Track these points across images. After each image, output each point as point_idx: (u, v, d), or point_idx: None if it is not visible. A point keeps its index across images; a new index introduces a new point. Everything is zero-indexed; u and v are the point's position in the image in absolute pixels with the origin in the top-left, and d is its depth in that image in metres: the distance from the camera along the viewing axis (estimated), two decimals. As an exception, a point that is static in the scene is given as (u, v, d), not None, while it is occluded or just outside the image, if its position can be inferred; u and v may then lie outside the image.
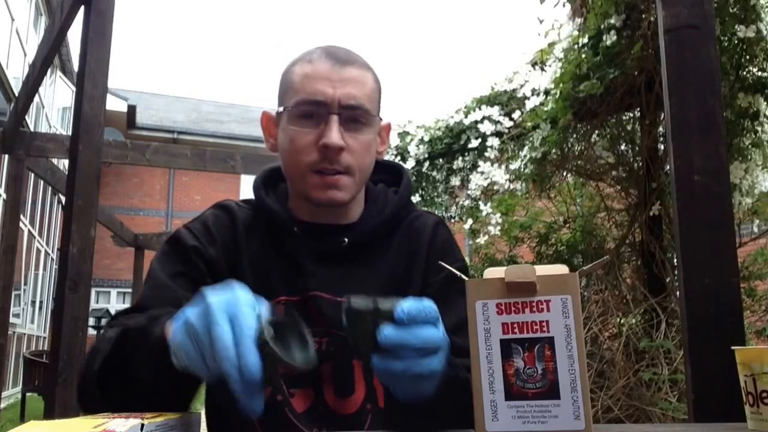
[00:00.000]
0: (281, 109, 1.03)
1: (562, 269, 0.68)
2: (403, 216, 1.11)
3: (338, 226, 1.06)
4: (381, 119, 1.06)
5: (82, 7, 3.38)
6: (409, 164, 4.25)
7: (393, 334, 0.67)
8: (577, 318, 0.67)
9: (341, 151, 0.99)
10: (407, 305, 0.68)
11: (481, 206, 3.67)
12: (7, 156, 6.46)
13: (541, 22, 3.07)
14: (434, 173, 4.21)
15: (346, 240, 1.04)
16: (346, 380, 0.99)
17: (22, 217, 7.54)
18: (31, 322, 12.73)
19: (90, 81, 3.15)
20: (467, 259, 7.42)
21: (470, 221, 3.78)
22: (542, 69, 3.36)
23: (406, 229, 1.10)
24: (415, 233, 1.09)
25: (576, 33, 2.96)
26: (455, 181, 4.02)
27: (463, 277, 0.71)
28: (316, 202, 1.01)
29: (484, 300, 0.67)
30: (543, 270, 0.68)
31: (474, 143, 3.82)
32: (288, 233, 1.04)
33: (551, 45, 3.17)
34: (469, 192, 3.85)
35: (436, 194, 4.27)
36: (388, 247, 1.07)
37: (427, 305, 0.69)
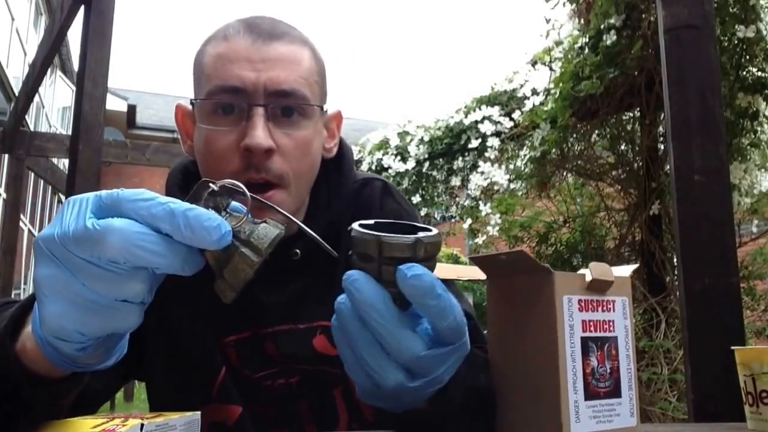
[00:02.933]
0: (195, 101, 0.80)
1: (619, 270, 0.68)
2: (350, 194, 0.90)
3: (286, 241, 0.85)
4: (325, 109, 0.83)
5: (82, 7, 3.38)
6: (409, 164, 4.25)
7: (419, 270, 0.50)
8: (632, 319, 0.68)
9: (269, 155, 0.75)
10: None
11: (481, 206, 3.67)
12: (7, 156, 6.46)
13: (548, 21, 3.06)
14: (434, 173, 4.21)
15: (299, 252, 0.82)
16: (328, 414, 0.84)
17: (22, 216, 7.55)
18: (31, 322, 12.71)
19: (90, 81, 3.15)
20: (466, 260, 7.39)
21: (469, 221, 3.78)
22: (542, 68, 3.36)
23: (354, 208, 0.88)
24: (363, 209, 0.87)
25: (576, 33, 2.96)
26: (455, 181, 4.02)
27: (544, 266, 0.62)
28: None
29: (570, 295, 0.63)
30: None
31: (474, 143, 3.82)
32: None
33: (550, 50, 3.17)
34: (469, 192, 3.85)
35: (436, 194, 4.27)
36: (339, 242, 0.83)
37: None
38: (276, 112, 0.77)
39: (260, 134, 0.74)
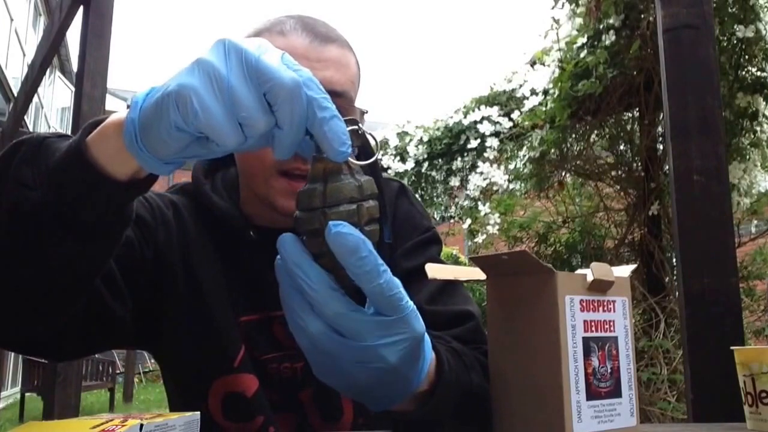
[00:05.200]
0: None
1: (619, 271, 0.69)
2: None
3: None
4: (365, 111, 0.88)
5: (81, 7, 3.38)
6: (408, 165, 4.24)
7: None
8: (631, 320, 0.69)
9: None
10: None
11: (480, 206, 3.67)
12: (6, 156, 6.45)
13: (555, 21, 3.05)
14: (433, 173, 4.21)
15: None
16: (332, 404, 0.85)
17: (21, 217, 7.53)
18: (30, 323, 12.72)
19: (89, 81, 3.14)
20: (465, 260, 7.39)
21: (468, 221, 3.78)
22: (541, 68, 3.36)
23: None
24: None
25: (575, 33, 2.96)
26: (454, 181, 4.02)
27: (547, 266, 0.62)
28: (282, 211, 0.81)
29: (571, 295, 0.63)
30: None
31: (473, 143, 3.82)
32: (241, 239, 0.86)
33: (550, 50, 3.17)
34: (468, 192, 3.85)
35: (435, 194, 4.27)
36: None
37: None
38: None
39: None
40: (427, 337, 0.59)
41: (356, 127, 0.55)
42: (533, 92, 3.38)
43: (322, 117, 0.50)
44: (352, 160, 0.53)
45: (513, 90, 3.77)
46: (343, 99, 0.81)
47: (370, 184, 0.54)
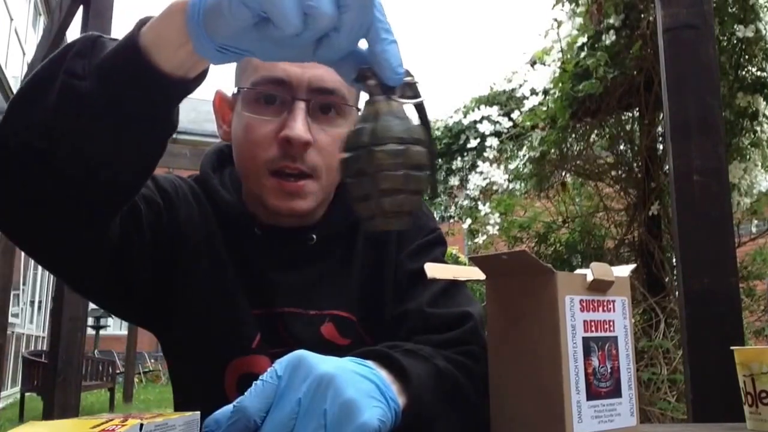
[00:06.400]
0: (237, 89, 0.86)
1: (619, 271, 0.69)
2: None
3: (305, 227, 0.89)
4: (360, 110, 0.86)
5: (81, 7, 3.38)
6: (408, 164, 4.24)
7: None
8: (631, 319, 0.69)
9: (306, 147, 0.80)
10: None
11: (480, 206, 3.67)
12: (5, 156, 6.44)
13: (558, 23, 3.04)
14: (433, 173, 4.20)
15: (315, 237, 0.87)
16: None
17: (20, 217, 7.51)
18: (30, 322, 12.73)
19: (89, 81, 3.14)
20: (465, 260, 7.38)
21: (468, 221, 3.78)
22: (541, 68, 3.36)
23: None
24: None
25: (576, 33, 2.96)
26: (454, 181, 4.02)
27: (547, 266, 0.64)
28: (274, 209, 0.83)
29: (571, 295, 0.63)
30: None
31: (473, 143, 3.82)
32: (246, 235, 0.87)
33: (550, 50, 3.17)
34: (467, 192, 3.85)
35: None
36: (357, 233, 0.91)
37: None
38: (316, 108, 0.82)
39: (300, 127, 0.79)
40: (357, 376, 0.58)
41: (411, 78, 0.55)
42: (533, 92, 3.38)
43: (384, 38, 0.51)
44: (399, 100, 0.54)
45: (513, 90, 3.77)
46: (334, 96, 0.82)
47: (421, 131, 0.54)
